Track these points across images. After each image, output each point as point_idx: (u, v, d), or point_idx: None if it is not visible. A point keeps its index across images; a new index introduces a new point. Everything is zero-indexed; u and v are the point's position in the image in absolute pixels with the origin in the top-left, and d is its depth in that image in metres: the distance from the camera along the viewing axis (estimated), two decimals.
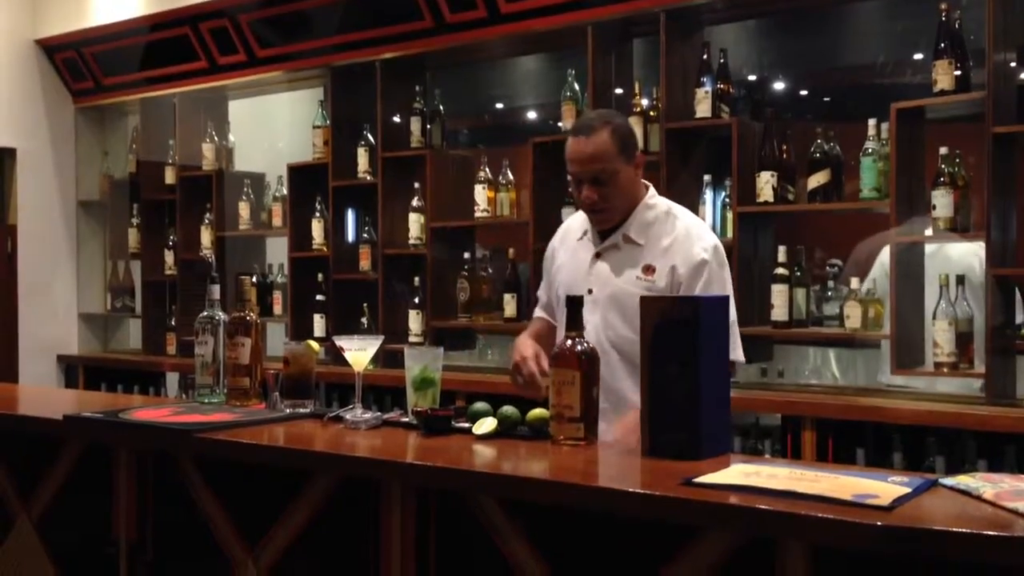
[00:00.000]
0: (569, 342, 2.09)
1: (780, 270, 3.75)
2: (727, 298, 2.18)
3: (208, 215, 5.45)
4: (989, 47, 3.26)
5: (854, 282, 3.67)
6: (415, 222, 4.65)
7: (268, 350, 3.25)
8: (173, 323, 5.58)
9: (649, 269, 2.45)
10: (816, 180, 3.71)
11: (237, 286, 2.75)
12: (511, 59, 5.08)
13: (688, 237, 2.46)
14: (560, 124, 4.34)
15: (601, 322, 2.47)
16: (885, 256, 3.88)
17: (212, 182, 5.42)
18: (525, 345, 2.52)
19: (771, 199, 3.76)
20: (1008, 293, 3.37)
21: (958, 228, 3.40)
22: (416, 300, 4.63)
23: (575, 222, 2.68)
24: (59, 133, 5.92)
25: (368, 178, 4.80)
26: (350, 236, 5.01)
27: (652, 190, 2.57)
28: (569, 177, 2.52)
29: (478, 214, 4.52)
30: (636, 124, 4.05)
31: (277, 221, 5.23)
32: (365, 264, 4.83)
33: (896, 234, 3.49)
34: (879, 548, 1.48)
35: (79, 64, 5.76)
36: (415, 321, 4.61)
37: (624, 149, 2.45)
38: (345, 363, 2.46)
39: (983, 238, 3.33)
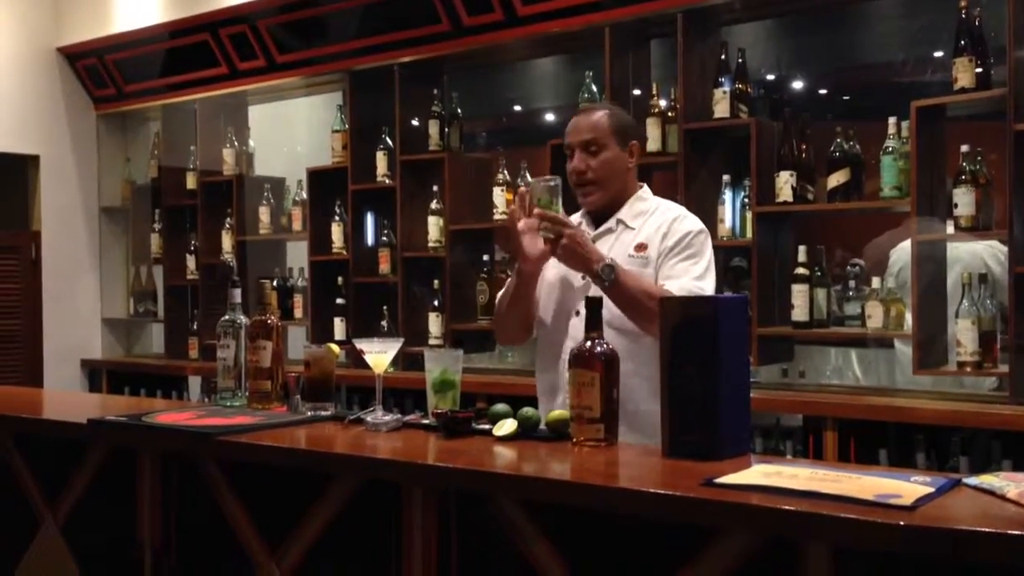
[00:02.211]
0: (589, 343, 2.09)
1: (800, 270, 3.74)
2: (745, 298, 2.17)
3: (229, 220, 5.48)
4: (1010, 44, 3.24)
5: (875, 281, 3.65)
6: (434, 225, 4.66)
7: (289, 353, 3.28)
8: (195, 327, 5.62)
9: (641, 247, 2.50)
10: (836, 179, 3.69)
11: (258, 290, 2.77)
12: (528, 61, 5.08)
13: (677, 219, 2.53)
14: None
15: None
16: (899, 255, 3.87)
17: (233, 187, 5.45)
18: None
19: (790, 199, 3.75)
20: None
21: (980, 226, 3.38)
22: (436, 303, 4.64)
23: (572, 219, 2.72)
24: (81, 140, 5.97)
25: (387, 181, 4.82)
26: (369, 239, 5.03)
27: (647, 188, 2.65)
28: (567, 155, 2.59)
29: (497, 216, 4.53)
30: (654, 125, 4.05)
31: (297, 225, 5.26)
32: (385, 267, 4.85)
33: (917, 233, 3.47)
34: (902, 548, 1.47)
35: (101, 71, 5.81)
36: (435, 323, 4.62)
37: (618, 131, 2.54)
38: (365, 366, 2.47)
39: (1005, 236, 3.30)
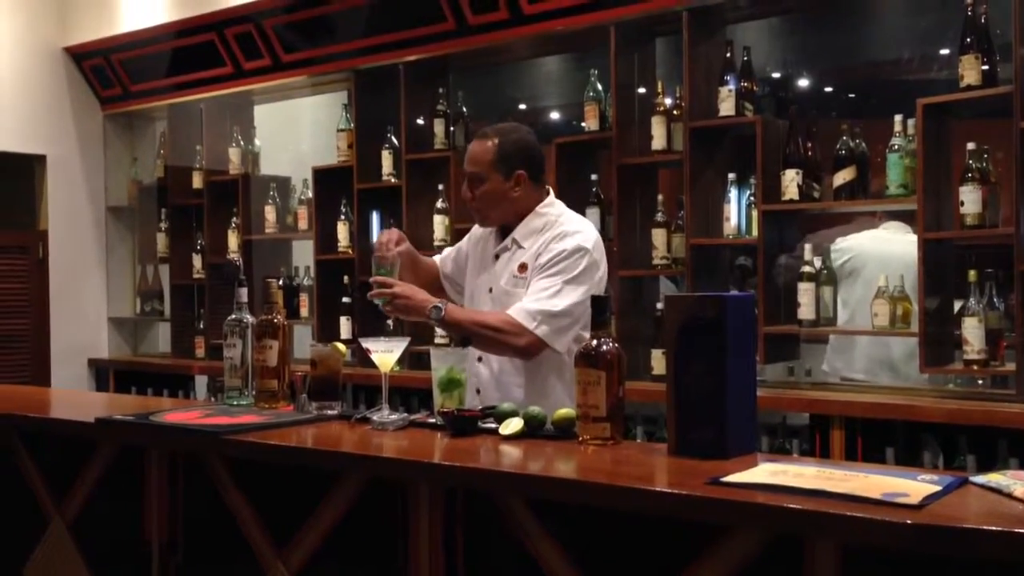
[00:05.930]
0: (595, 341, 2.09)
1: (806, 268, 3.73)
2: (752, 297, 2.17)
3: (235, 219, 5.49)
4: (1016, 41, 3.23)
5: (881, 279, 3.64)
6: (440, 224, 4.66)
7: (295, 352, 3.28)
8: (202, 326, 5.62)
9: (523, 267, 2.64)
10: (842, 177, 3.69)
11: (264, 289, 2.77)
12: (534, 60, 5.08)
13: (557, 237, 2.61)
14: (583, 125, 4.33)
15: None
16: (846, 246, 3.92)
17: (238, 186, 5.46)
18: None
19: (796, 197, 3.74)
20: None
21: (986, 224, 3.37)
22: None
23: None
24: (88, 140, 5.99)
25: (392, 180, 4.82)
26: (375, 238, 5.03)
27: (551, 198, 2.72)
28: None
29: None
30: (659, 123, 4.04)
31: (303, 224, 5.27)
32: None
33: (924, 230, 3.46)
34: (909, 547, 1.47)
35: (107, 71, 5.82)
36: None
37: (501, 162, 2.62)
38: (372, 365, 2.48)
39: (1011, 233, 3.29)
